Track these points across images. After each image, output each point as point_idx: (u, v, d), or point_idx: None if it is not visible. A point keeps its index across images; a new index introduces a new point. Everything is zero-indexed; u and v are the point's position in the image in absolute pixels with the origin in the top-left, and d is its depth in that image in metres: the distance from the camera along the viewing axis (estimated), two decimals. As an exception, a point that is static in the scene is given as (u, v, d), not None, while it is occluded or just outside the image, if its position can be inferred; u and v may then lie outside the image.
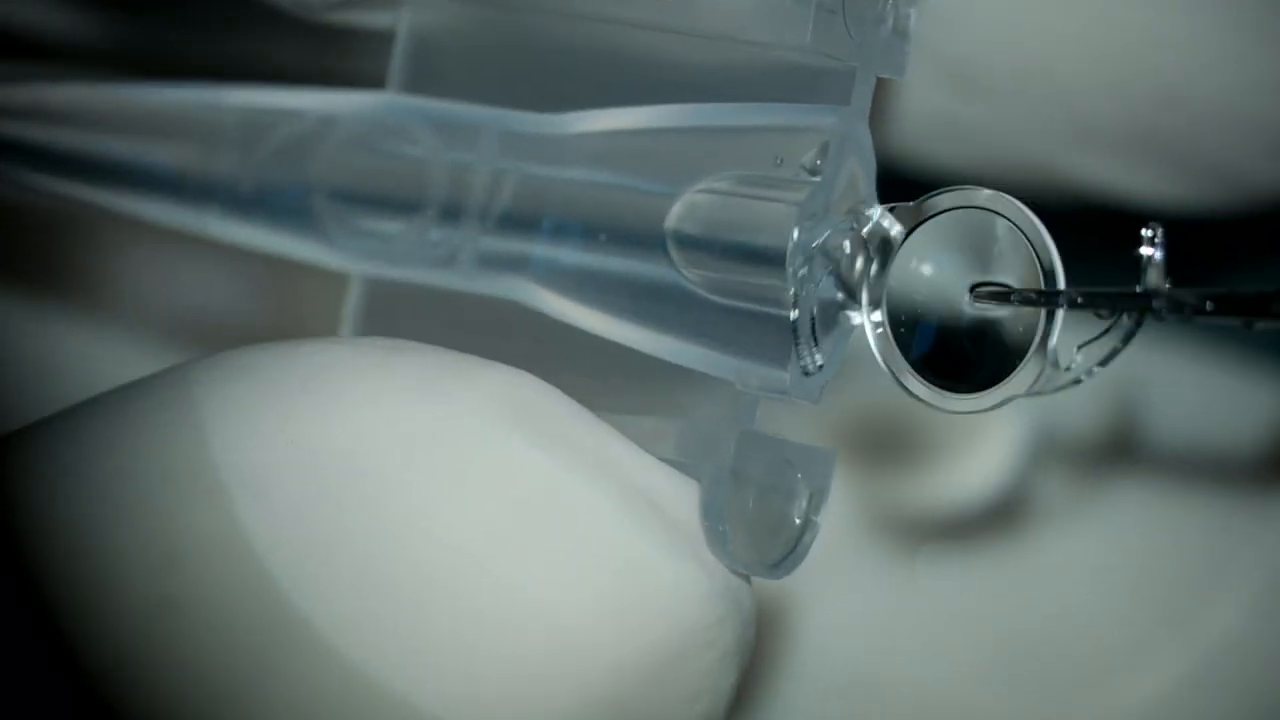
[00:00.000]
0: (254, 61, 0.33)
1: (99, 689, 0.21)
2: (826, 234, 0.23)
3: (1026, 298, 0.22)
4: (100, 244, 0.34)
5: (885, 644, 0.32)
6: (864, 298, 0.23)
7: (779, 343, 0.23)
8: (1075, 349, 0.22)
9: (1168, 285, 0.21)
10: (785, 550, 0.23)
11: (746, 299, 0.23)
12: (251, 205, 0.27)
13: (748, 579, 0.23)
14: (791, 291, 0.22)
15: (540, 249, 0.25)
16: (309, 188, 0.27)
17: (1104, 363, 0.22)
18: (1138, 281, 0.21)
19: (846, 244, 0.23)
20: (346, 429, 0.22)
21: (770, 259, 0.22)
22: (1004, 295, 0.22)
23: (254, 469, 0.22)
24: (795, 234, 0.22)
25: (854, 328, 0.23)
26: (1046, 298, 0.22)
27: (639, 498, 0.22)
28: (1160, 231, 0.21)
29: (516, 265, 0.25)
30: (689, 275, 0.23)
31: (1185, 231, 0.25)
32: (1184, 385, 0.33)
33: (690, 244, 0.23)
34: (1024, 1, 0.28)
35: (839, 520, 0.31)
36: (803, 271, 0.22)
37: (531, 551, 0.22)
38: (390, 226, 0.26)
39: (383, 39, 0.27)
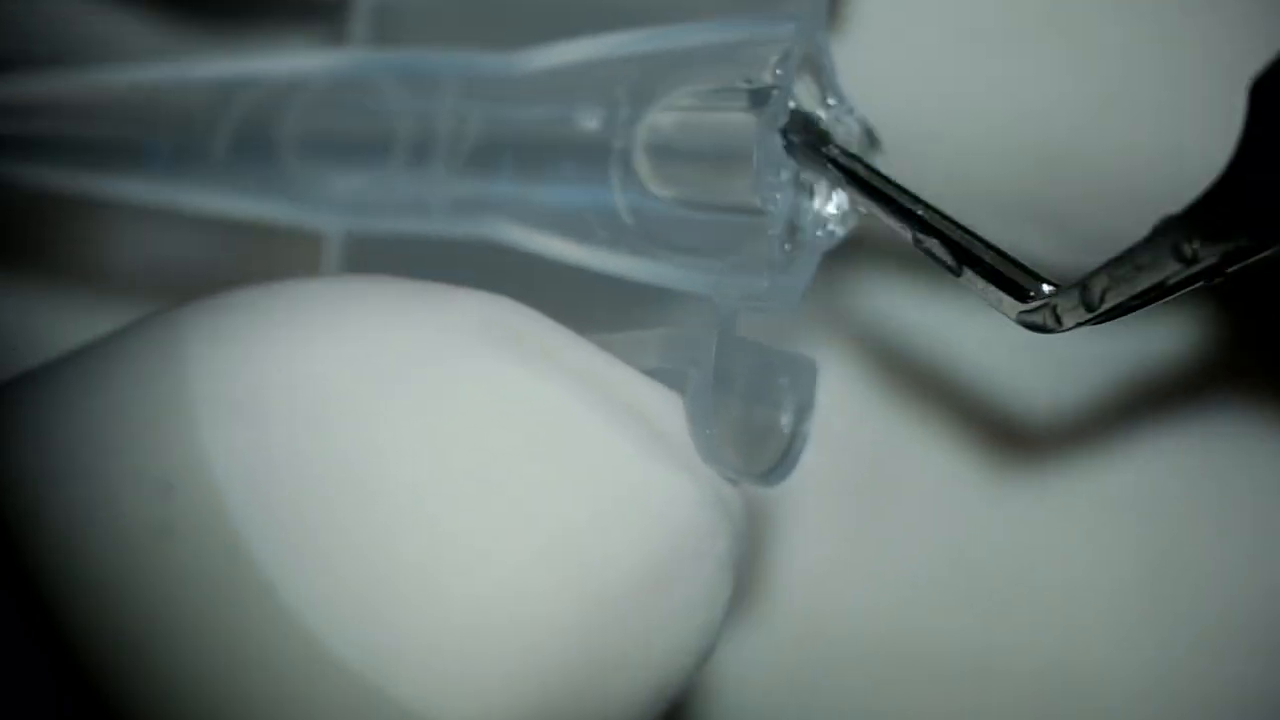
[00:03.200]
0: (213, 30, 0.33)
1: (102, 620, 0.21)
2: (794, 139, 0.23)
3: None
4: (76, 221, 0.34)
5: (850, 576, 0.32)
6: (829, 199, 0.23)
7: (754, 251, 0.23)
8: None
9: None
10: (775, 459, 0.23)
11: (719, 210, 0.23)
12: (224, 173, 0.27)
13: (737, 489, 0.23)
14: (763, 198, 0.22)
15: (509, 186, 0.25)
16: (279, 149, 0.27)
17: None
18: None
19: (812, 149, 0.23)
20: (326, 356, 0.22)
21: (739, 166, 0.22)
22: None
23: (240, 399, 0.22)
24: (761, 140, 0.22)
25: (827, 236, 0.24)
26: None
27: (627, 410, 0.22)
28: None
29: (488, 205, 0.25)
30: (660, 195, 0.23)
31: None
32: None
33: (659, 162, 0.23)
34: (929, 72, 0.28)
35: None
36: (773, 177, 0.22)
37: (523, 468, 0.22)
38: (360, 179, 0.26)
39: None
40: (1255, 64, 0.20)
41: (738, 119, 0.23)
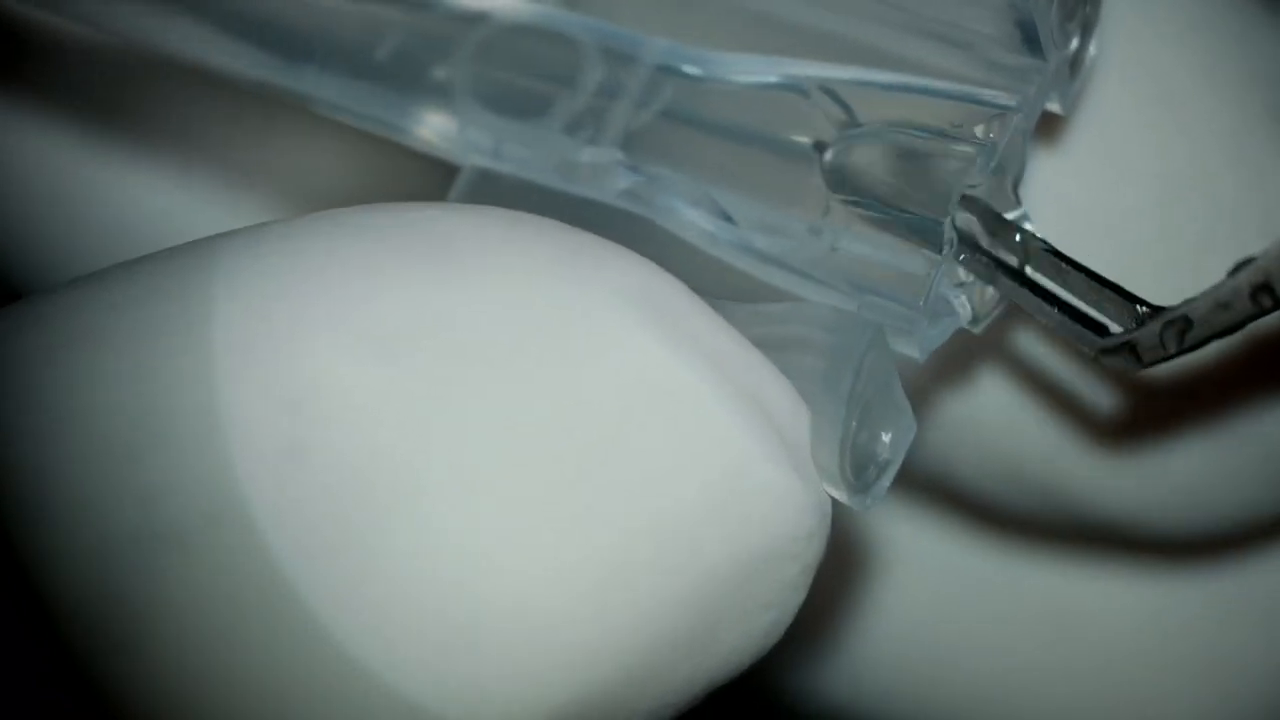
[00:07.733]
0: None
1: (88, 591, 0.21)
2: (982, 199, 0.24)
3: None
4: (226, 114, 0.34)
5: (953, 618, 0.32)
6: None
7: (913, 287, 0.23)
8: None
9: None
10: (869, 482, 0.23)
11: (893, 236, 0.24)
12: (384, 84, 0.27)
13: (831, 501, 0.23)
14: (944, 235, 0.23)
15: (665, 192, 0.25)
16: (445, 78, 0.26)
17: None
18: None
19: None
20: (477, 301, 0.22)
21: (931, 204, 0.23)
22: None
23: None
24: (960, 186, 0.23)
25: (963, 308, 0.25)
26: None
27: (752, 402, 0.22)
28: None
29: (637, 192, 0.25)
30: (831, 225, 0.24)
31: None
32: None
33: (840, 192, 0.24)
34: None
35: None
36: (956, 224, 0.23)
37: (640, 445, 0.22)
38: (520, 125, 0.26)
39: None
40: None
41: (943, 161, 0.23)
